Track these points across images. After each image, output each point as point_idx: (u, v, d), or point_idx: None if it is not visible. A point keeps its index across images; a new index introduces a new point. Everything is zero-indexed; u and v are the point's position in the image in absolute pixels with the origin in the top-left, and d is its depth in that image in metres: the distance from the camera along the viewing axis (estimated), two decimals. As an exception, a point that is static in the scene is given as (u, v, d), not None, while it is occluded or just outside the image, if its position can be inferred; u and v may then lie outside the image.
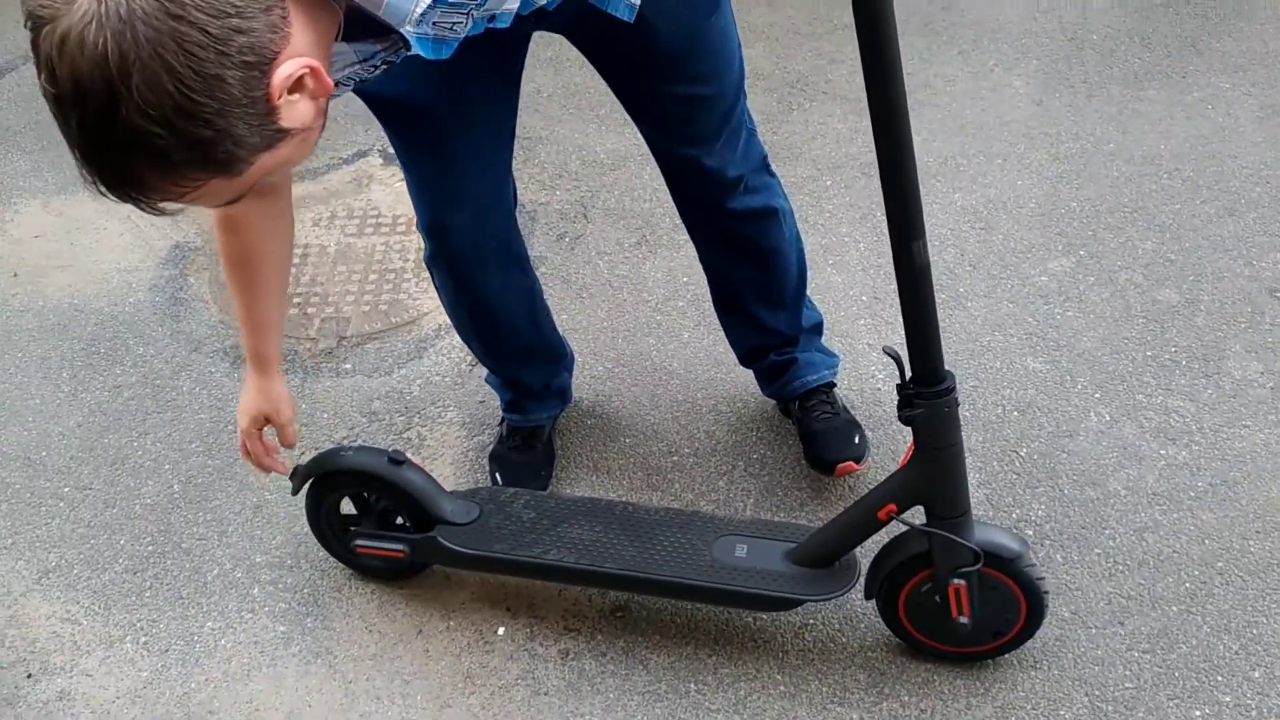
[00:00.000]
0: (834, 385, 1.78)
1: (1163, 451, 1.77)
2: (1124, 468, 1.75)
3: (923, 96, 2.65)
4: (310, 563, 1.71)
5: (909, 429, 1.28)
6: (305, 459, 1.58)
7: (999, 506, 1.71)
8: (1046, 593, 1.40)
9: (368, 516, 1.57)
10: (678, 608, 1.60)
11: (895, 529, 1.38)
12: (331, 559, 1.68)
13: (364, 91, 1.20)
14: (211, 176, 0.82)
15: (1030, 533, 1.66)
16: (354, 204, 2.51)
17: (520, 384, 1.76)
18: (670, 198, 1.56)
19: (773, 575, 1.43)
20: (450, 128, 1.34)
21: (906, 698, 1.48)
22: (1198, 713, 1.43)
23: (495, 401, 1.91)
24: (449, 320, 1.70)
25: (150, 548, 1.76)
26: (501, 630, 1.60)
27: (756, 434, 1.87)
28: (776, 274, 1.63)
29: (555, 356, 1.77)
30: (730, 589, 1.43)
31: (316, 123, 0.88)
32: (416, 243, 2.37)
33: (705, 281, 1.70)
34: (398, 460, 1.50)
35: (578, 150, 2.57)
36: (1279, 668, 1.46)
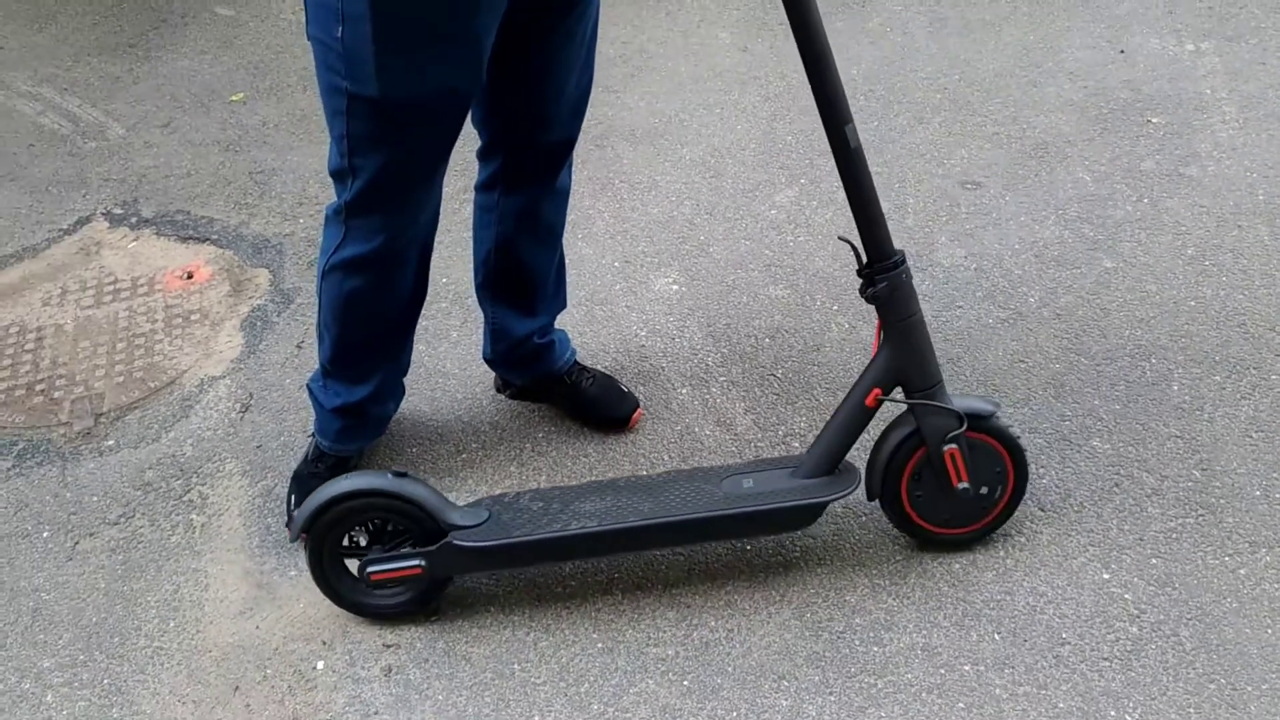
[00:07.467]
0: None
1: (894, 345, 1.96)
2: (865, 367, 1.93)
3: (639, 62, 2.77)
4: (104, 651, 1.63)
5: (873, 307, 1.42)
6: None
7: (765, 427, 1.85)
8: (1024, 449, 1.55)
9: (379, 539, 1.57)
10: (489, 598, 1.65)
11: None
12: (125, 642, 1.61)
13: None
14: None
15: (796, 444, 1.82)
16: (85, 275, 2.36)
17: (362, 386, 1.69)
18: None
19: (785, 491, 1.53)
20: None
21: (714, 623, 1.59)
22: (944, 567, 1.62)
23: (275, 443, 1.88)
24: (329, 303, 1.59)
25: (-82, 686, 1.62)
26: (320, 665, 1.59)
27: (539, 413, 1.93)
28: (559, 256, 1.75)
29: (405, 360, 1.76)
30: (752, 511, 1.51)
31: None
32: (164, 301, 2.26)
33: (467, 278, 1.74)
34: (400, 473, 1.52)
35: (315, 175, 2.52)
36: (1022, 513, 1.67)
